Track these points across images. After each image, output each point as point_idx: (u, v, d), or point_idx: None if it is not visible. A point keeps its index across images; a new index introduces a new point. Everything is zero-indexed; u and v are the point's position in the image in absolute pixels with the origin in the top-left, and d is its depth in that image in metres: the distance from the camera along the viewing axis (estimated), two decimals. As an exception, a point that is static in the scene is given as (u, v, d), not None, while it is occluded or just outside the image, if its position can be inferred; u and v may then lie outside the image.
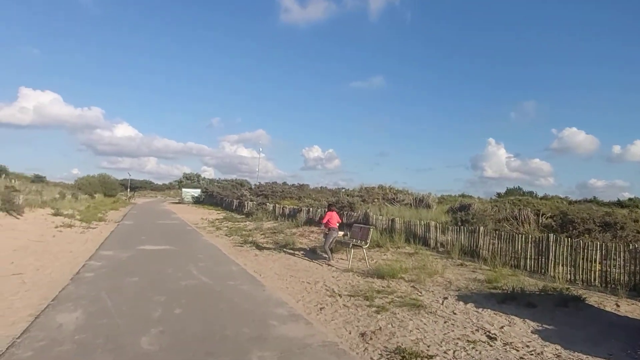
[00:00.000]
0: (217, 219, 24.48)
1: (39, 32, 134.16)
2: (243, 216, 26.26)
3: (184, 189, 61.52)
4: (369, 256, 10.44)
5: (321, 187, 43.90)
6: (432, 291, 7.20)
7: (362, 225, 11.00)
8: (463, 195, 35.01)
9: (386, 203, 20.18)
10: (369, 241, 10.22)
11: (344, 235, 10.85)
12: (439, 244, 11.56)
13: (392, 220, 13.67)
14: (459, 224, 13.13)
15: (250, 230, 17.92)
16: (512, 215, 13.83)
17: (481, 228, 10.30)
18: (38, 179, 56.38)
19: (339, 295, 6.97)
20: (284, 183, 45.19)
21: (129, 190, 66.79)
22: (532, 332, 5.29)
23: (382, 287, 7.50)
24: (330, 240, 10.50)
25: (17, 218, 16.81)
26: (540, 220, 13.53)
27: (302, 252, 11.98)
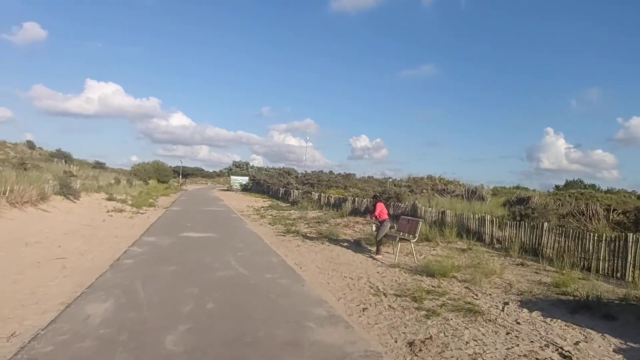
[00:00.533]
0: (263, 207, 24.49)
1: (102, 25, 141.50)
2: (288, 205, 26.12)
3: (232, 177, 62.85)
4: (417, 251, 9.72)
5: (368, 177, 43.09)
6: (490, 294, 6.42)
7: (410, 218, 10.28)
8: (518, 187, 32.90)
9: (435, 194, 19.15)
10: (417, 235, 9.50)
11: (390, 228, 10.18)
12: (495, 240, 10.60)
13: (443, 212, 12.79)
14: (518, 218, 12.03)
15: (294, 219, 17.63)
16: (577, 210, 12.49)
17: (545, 224, 9.25)
18: (98, 165, 59.74)
19: (384, 294, 6.37)
20: (330, 172, 44.80)
21: (180, 177, 69.25)
22: (614, 350, 4.44)
23: (432, 286, 6.81)
24: (383, 234, 9.88)
25: (74, 202, 17.53)
26: (611, 217, 12.11)
27: (346, 243, 11.45)
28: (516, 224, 10.01)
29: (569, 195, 21.47)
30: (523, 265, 8.43)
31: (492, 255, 9.37)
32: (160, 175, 55.59)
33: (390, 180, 34.00)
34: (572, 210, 12.72)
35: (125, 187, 28.05)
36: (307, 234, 13.11)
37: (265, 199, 33.57)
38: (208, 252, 9.10)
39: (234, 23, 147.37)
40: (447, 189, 20.27)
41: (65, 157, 53.61)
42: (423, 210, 13.94)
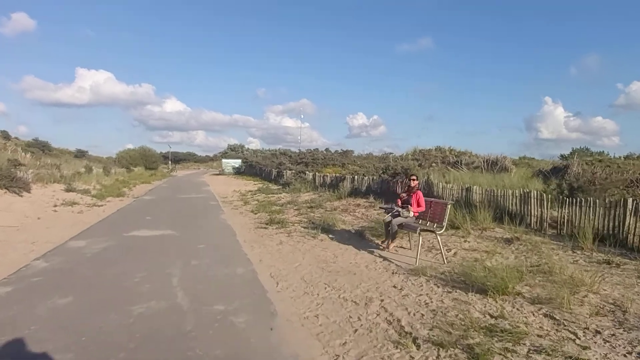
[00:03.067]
0: (250, 191, 21.69)
1: (91, 12, 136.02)
2: (280, 187, 23.32)
3: (223, 160, 59.86)
4: (443, 244, 6.98)
5: (367, 154, 40.04)
6: (596, 331, 3.68)
7: (433, 200, 7.48)
8: (525, 158, 30.05)
9: (448, 167, 16.36)
10: (445, 223, 6.72)
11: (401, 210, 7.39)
12: (545, 224, 7.84)
13: (468, 189, 10.00)
14: (566, 193, 9.26)
15: (282, 204, 14.84)
16: (636, 180, 9.70)
17: (629, 200, 6.45)
18: (80, 154, 56.72)
19: (414, 340, 3.63)
20: (327, 150, 41.82)
21: (170, 162, 66.19)
22: None
23: (491, 315, 4.07)
24: (400, 223, 7.14)
25: (20, 195, 14.69)
26: None
27: (345, 235, 8.70)
28: (580, 201, 7.20)
29: (586, 164, 18.77)
30: (611, 264, 5.65)
31: (553, 248, 6.61)
32: (147, 161, 52.57)
33: (392, 155, 31.18)
34: (629, 179, 9.94)
35: (98, 176, 25.14)
36: (296, 224, 10.33)
37: (256, 182, 30.75)
38: (147, 262, 6.32)
39: (225, 3, 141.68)
40: (460, 160, 17.46)
41: (43, 147, 50.58)
42: (440, 187, 11.15)
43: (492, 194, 9.15)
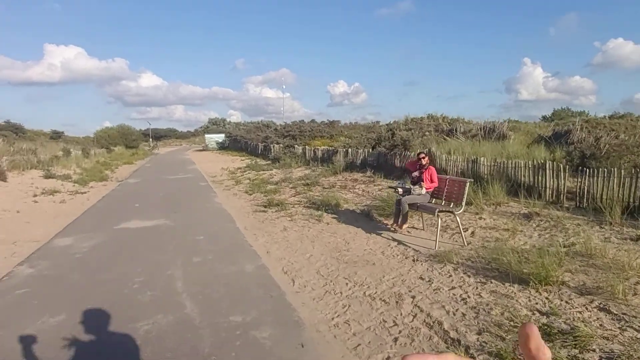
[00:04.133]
0: (239, 168, 20.98)
1: None
2: (269, 162, 22.64)
3: (207, 135, 58.38)
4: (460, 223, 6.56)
5: (354, 123, 39.27)
6: (665, 327, 3.31)
7: (449, 177, 7.00)
8: (509, 121, 29.70)
9: (444, 136, 15.90)
10: (464, 203, 6.28)
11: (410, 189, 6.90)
12: (562, 196, 7.49)
13: (474, 160, 9.57)
14: (577, 161, 8.92)
15: (276, 182, 14.26)
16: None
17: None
18: (56, 135, 54.57)
19: (465, 348, 3.21)
20: (312, 121, 40.87)
21: (151, 140, 64.34)
22: None
23: (538, 310, 3.67)
24: (413, 203, 6.67)
25: (-5, 186, 13.77)
26: None
27: (351, 217, 8.23)
28: (603, 171, 6.82)
29: (572, 124, 18.61)
30: (647, 241, 5.32)
31: (579, 224, 6.26)
32: (127, 140, 50.78)
33: (380, 123, 30.59)
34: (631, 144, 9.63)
35: (77, 159, 24.01)
36: (296, 205, 9.82)
37: (243, 157, 29.95)
38: (144, 261, 5.75)
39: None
40: (454, 128, 17.00)
41: (16, 130, 48.43)
42: (443, 159, 10.71)
43: (502, 165, 8.73)
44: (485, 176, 8.86)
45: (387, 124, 25.27)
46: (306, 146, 22.56)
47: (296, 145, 24.26)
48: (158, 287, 4.69)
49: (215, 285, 4.72)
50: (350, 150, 16.69)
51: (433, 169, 6.90)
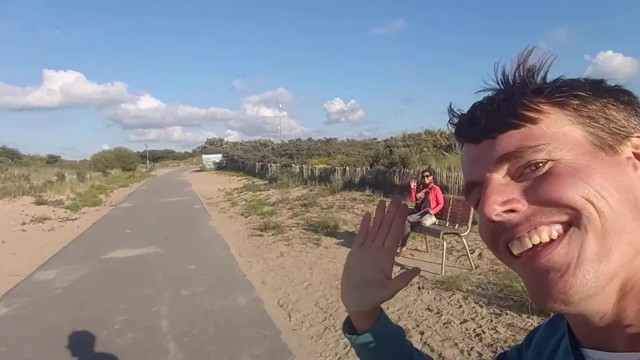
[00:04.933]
0: (236, 189, 20.63)
1: (57, 11, 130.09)
2: (266, 182, 22.30)
3: (204, 156, 58.17)
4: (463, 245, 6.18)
5: (351, 140, 39.18)
6: None
7: (453, 197, 6.66)
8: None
9: (443, 152, 15.63)
10: (470, 224, 5.93)
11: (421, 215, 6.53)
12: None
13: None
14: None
15: (273, 203, 13.89)
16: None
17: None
18: (53, 160, 54.33)
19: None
20: (309, 139, 40.80)
21: (148, 161, 64.11)
22: None
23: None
24: (415, 223, 6.30)
25: (-17, 214, 13.38)
26: None
27: (350, 240, 7.85)
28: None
29: None
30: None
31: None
32: (124, 162, 50.56)
33: (376, 140, 30.44)
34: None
35: (71, 184, 23.66)
36: (293, 227, 9.44)
37: (240, 178, 29.64)
38: (129, 295, 5.34)
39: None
40: (453, 144, 16.74)
41: (12, 155, 48.18)
42: (444, 176, 10.38)
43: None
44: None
45: (384, 141, 25.07)
46: (303, 165, 22.29)
47: (293, 164, 23.98)
48: (141, 328, 4.27)
49: (203, 324, 4.31)
50: (348, 168, 16.39)
51: (438, 188, 6.56)
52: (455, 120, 0.52)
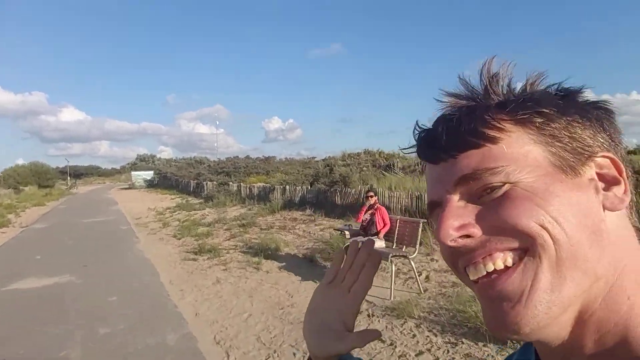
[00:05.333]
0: (169, 208, 19.34)
1: None
2: (201, 201, 21.22)
3: (133, 173, 54.82)
4: (410, 268, 5.99)
5: (290, 159, 38.83)
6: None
7: (400, 218, 6.48)
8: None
9: (383, 172, 15.80)
10: (417, 246, 5.76)
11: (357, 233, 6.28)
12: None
13: (418, 197, 9.27)
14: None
15: (209, 223, 13.08)
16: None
17: None
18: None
19: None
20: (247, 157, 39.89)
21: (69, 178, 59.13)
22: None
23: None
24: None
25: None
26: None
27: (293, 262, 7.41)
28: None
29: None
30: None
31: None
32: (41, 179, 46.10)
33: (315, 159, 30.44)
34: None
35: (-26, 202, 20.88)
36: (230, 250, 8.80)
37: (173, 196, 28.04)
38: (32, 337, 4.45)
39: (125, 2, 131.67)
40: (392, 163, 17.04)
41: None
42: (386, 196, 10.34)
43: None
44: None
45: (323, 160, 25.09)
46: (241, 183, 21.55)
47: (231, 182, 23.15)
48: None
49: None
50: (288, 187, 16.00)
51: (383, 209, 6.37)
52: (418, 137, 0.49)
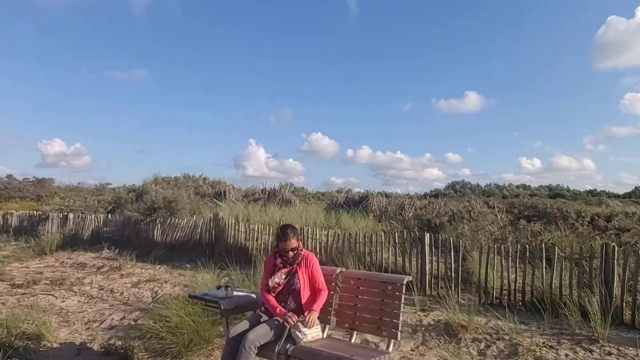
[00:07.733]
0: None
1: None
2: None
3: None
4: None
5: (75, 186, 30.18)
6: None
7: (343, 270, 3.30)
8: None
9: (215, 200, 12.27)
10: (399, 332, 2.75)
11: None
12: (432, 285, 4.94)
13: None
14: (417, 235, 6.94)
15: None
16: (465, 211, 8.49)
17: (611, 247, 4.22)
18: None
19: None
20: (9, 176, 29.58)
21: None
22: None
23: None
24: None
25: None
26: (500, 217, 8.67)
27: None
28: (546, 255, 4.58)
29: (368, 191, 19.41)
30: None
31: (544, 344, 3.62)
32: None
33: (112, 186, 24.30)
34: (454, 211, 8.68)
35: None
36: None
37: None
38: None
39: None
40: (224, 191, 13.69)
41: None
42: (235, 229, 7.05)
43: (344, 240, 5.78)
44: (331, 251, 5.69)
45: (125, 186, 19.68)
46: (-8, 209, 14.55)
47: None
48: None
49: None
50: (72, 215, 10.81)
51: (315, 260, 3.09)
52: None
